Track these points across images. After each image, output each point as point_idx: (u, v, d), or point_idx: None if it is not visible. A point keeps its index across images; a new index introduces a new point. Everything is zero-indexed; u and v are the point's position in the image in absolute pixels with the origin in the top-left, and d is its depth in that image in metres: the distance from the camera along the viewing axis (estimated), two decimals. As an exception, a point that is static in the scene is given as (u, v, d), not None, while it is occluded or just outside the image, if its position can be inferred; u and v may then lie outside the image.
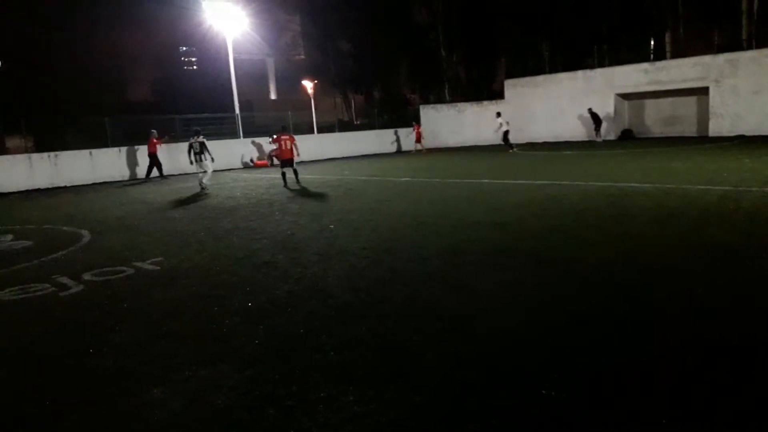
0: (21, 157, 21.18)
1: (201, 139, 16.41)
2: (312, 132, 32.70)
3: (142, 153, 22.81)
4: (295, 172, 16.51)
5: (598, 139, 27.96)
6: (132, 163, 23.01)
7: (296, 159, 16.41)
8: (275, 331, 4.49)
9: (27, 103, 37.71)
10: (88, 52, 48.96)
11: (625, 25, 37.35)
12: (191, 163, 16.48)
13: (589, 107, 28.41)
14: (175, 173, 23.55)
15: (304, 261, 6.75)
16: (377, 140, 32.38)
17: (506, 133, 26.10)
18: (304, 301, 5.20)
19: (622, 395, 3.17)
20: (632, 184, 11.49)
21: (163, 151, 22.94)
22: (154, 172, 22.08)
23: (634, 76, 29.30)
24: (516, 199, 10.64)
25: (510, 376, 3.47)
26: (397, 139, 33.17)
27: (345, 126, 40.64)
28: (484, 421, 2.98)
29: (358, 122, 48.09)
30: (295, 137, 16.93)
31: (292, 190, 14.92)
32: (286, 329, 4.51)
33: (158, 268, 6.92)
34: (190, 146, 16.35)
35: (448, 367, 3.67)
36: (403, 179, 16.20)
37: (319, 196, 13.25)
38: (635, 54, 35.22)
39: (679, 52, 33.56)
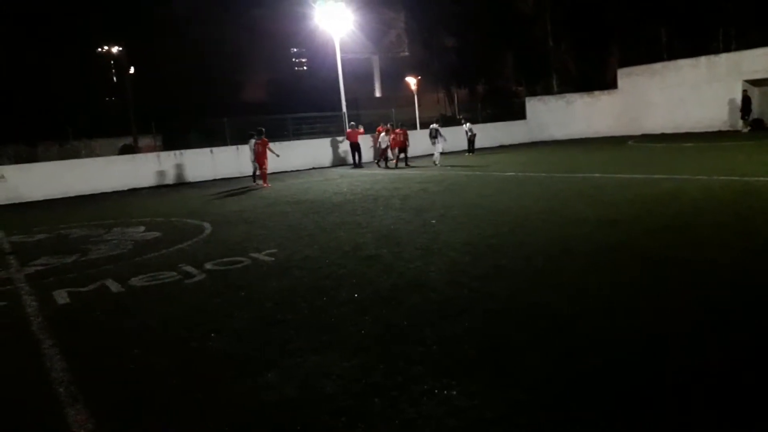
0: (151, 156, 23.15)
1: (437, 126, 21.89)
2: (415, 128, 32.82)
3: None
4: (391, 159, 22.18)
5: (743, 129, 25.61)
6: (249, 160, 24.13)
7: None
8: (380, 322, 4.63)
9: (156, 105, 41.08)
10: (210, 57, 52.37)
11: (755, 3, 33.89)
12: (432, 144, 21.47)
13: (744, 89, 26.20)
14: (288, 170, 24.50)
15: (407, 255, 6.87)
16: (480, 134, 31.61)
17: (473, 137, 26.92)
18: (408, 294, 5.30)
19: (735, 405, 2.96)
20: (762, 179, 10.52)
21: (278, 149, 24.06)
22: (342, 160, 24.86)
23: (765, 60, 26.67)
24: (630, 195, 10.12)
25: (617, 379, 3.35)
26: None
27: (447, 121, 40.39)
28: (590, 422, 2.91)
29: (461, 117, 47.62)
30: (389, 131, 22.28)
31: (394, 186, 15.14)
32: (391, 321, 4.63)
33: (272, 259, 7.33)
34: (431, 131, 21.57)
35: (553, 366, 3.60)
36: (507, 173, 15.90)
37: (421, 191, 13.35)
38: (767, 35, 31.91)
39: (822, 31, 29.95)
